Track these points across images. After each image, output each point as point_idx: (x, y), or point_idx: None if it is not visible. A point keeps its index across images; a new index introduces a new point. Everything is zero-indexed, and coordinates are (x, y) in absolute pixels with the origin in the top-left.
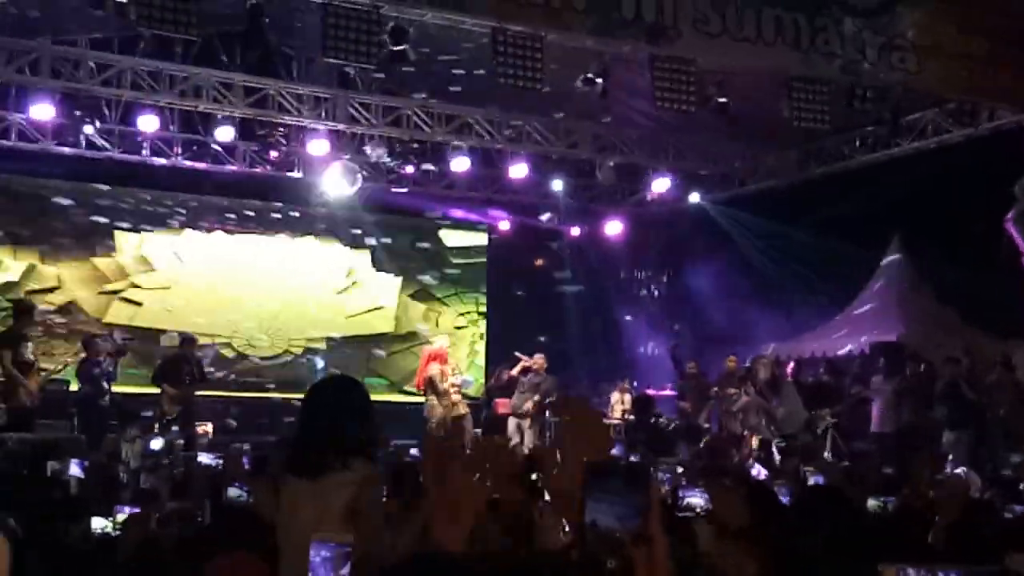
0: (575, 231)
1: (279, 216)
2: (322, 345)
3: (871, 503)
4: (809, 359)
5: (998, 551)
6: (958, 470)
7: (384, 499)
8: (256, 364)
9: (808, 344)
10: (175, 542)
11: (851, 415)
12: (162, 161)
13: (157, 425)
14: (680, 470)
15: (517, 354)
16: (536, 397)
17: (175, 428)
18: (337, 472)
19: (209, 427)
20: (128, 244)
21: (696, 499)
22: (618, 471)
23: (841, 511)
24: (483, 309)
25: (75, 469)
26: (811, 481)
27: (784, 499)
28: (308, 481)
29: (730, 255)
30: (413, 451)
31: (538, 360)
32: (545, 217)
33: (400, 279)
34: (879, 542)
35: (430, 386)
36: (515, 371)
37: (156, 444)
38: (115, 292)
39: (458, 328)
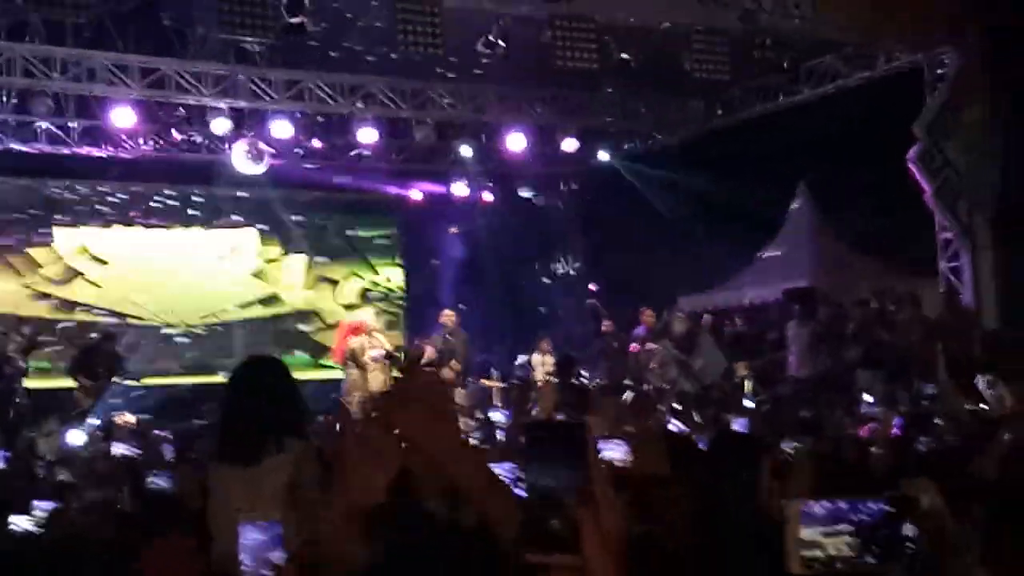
0: (487, 196)
1: (187, 200)
2: (238, 321)
3: (785, 446)
4: (723, 309)
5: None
6: (874, 409)
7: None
8: (175, 346)
9: (721, 294)
10: (98, 535)
11: (769, 362)
12: (62, 150)
13: (73, 416)
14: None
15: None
16: (453, 362)
17: (90, 420)
18: (272, 456)
19: (131, 417)
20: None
21: (615, 452)
22: (555, 431)
23: (753, 453)
24: (400, 281)
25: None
26: (733, 427)
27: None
28: (241, 467)
29: (640, 210)
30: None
31: (447, 314)
32: (457, 185)
33: (311, 255)
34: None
35: (352, 359)
36: (436, 341)
37: (72, 437)
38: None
39: (376, 301)
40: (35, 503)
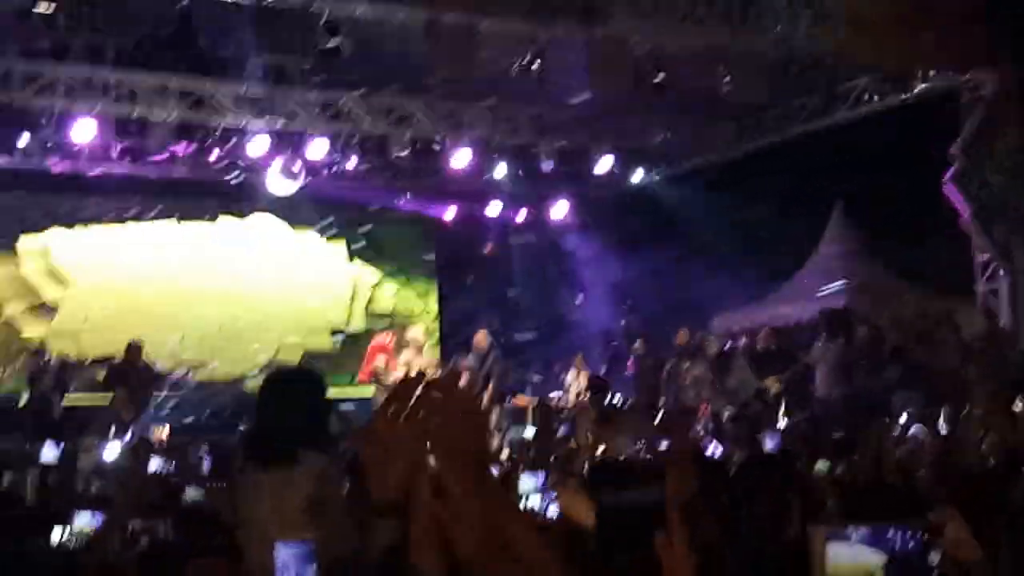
0: (521, 217)
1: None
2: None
3: (819, 466)
4: (758, 329)
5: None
6: (912, 430)
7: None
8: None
9: (755, 314)
10: (137, 558)
11: (801, 382)
12: (100, 169)
13: (112, 431)
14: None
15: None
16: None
17: (130, 434)
18: (294, 465)
19: (166, 430)
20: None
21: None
22: (633, 468)
23: (781, 476)
24: (433, 302)
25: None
26: (767, 444)
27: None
28: (266, 473)
29: (675, 231)
30: None
31: (479, 338)
32: (491, 206)
33: (351, 274)
34: (817, 505)
35: (375, 379)
36: (469, 360)
37: (109, 453)
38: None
39: (409, 320)
40: (75, 513)
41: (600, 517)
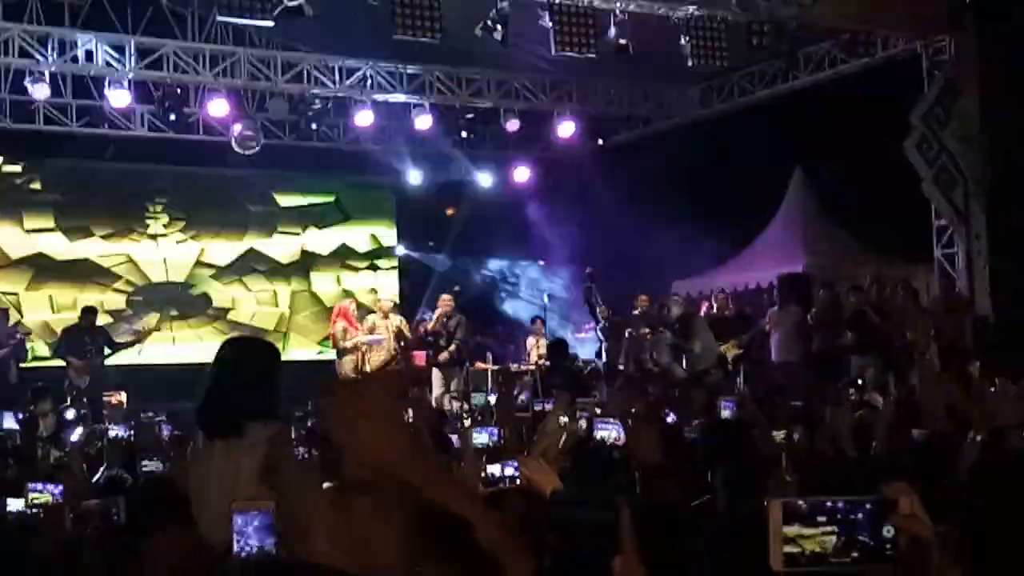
0: (484, 180)
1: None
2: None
3: (777, 435)
4: (717, 294)
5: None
6: (867, 395)
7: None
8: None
9: (716, 279)
10: (96, 533)
11: (759, 348)
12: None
13: (69, 398)
14: (597, 411)
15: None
16: (451, 345)
17: (85, 400)
18: (248, 433)
19: (123, 396)
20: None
21: (610, 431)
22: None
23: (738, 446)
24: (395, 264)
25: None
26: (724, 413)
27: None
28: (220, 441)
29: (637, 195)
30: None
31: (444, 299)
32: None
33: (306, 239)
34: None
35: (333, 343)
36: (431, 325)
37: (70, 414)
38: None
39: (371, 290)
40: (30, 486)
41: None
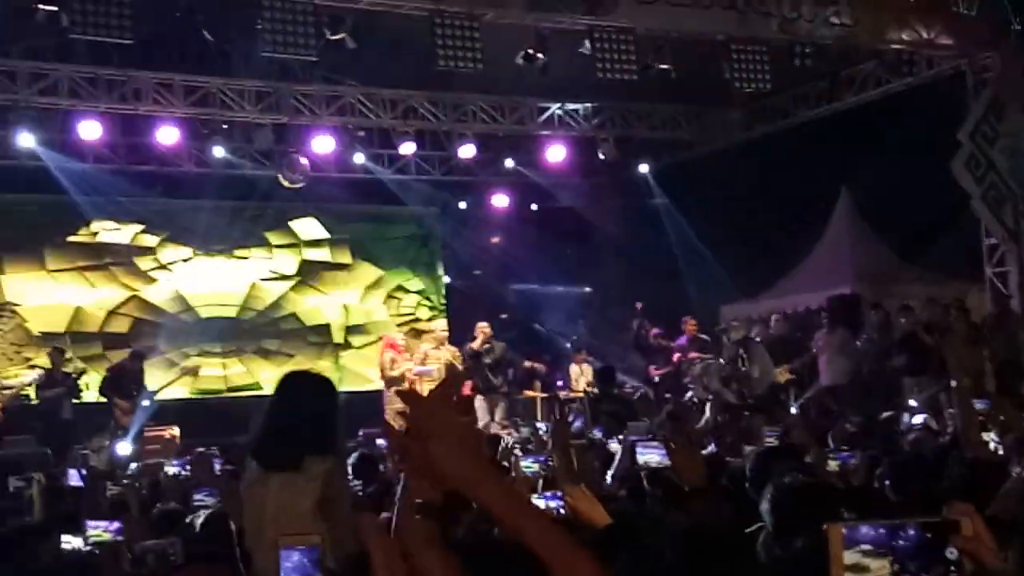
0: (531, 206)
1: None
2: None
3: (832, 463)
4: (767, 318)
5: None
6: (919, 417)
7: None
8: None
9: (765, 302)
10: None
11: (812, 371)
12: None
13: (119, 434)
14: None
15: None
16: (495, 376)
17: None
18: (305, 467)
19: (176, 431)
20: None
21: (652, 455)
22: None
23: (786, 472)
24: (443, 294)
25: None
26: (768, 440)
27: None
28: (275, 474)
29: (684, 221)
30: (380, 441)
31: (481, 327)
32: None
33: (357, 270)
34: (826, 501)
35: (381, 374)
36: (475, 345)
37: (124, 449)
38: None
39: (418, 318)
40: (89, 523)
41: None
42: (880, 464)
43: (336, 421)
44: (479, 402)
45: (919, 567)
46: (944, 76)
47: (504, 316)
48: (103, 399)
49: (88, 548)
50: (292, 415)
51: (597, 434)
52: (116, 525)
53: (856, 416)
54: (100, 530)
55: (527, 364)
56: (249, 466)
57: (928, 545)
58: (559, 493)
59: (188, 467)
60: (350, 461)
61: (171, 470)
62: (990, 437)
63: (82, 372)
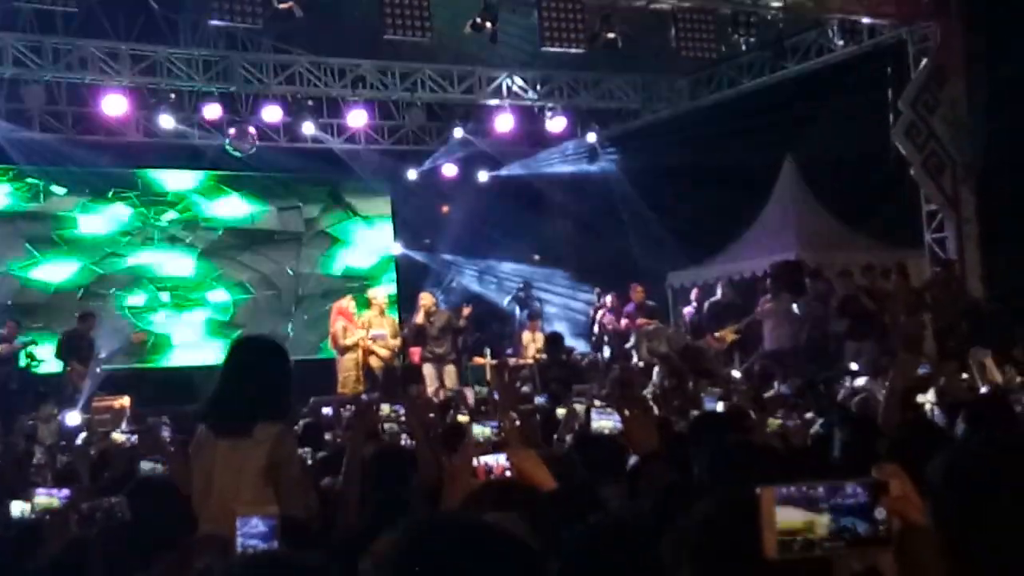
0: (481, 177)
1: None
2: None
3: (772, 424)
4: (712, 283)
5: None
6: (860, 380)
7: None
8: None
9: (709, 269)
10: (100, 534)
11: (755, 335)
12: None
13: (73, 400)
14: (596, 402)
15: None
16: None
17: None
18: (255, 434)
19: (125, 400)
20: None
21: (607, 422)
22: None
23: (724, 436)
24: (392, 263)
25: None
26: (707, 405)
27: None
28: (224, 439)
29: (629, 188)
30: (326, 409)
31: (425, 296)
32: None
33: (305, 239)
34: (764, 463)
35: (333, 343)
36: (419, 319)
37: (73, 419)
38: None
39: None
40: (37, 491)
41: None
42: (814, 425)
43: (287, 387)
44: (427, 369)
45: (851, 527)
46: (885, 45)
47: (453, 284)
48: (52, 372)
49: (36, 515)
50: (243, 381)
51: (540, 400)
52: (65, 492)
53: (798, 380)
54: (50, 497)
55: (477, 335)
56: (199, 430)
57: (859, 506)
58: (506, 455)
59: (136, 435)
60: (296, 429)
61: (119, 437)
62: (927, 399)
63: (29, 342)
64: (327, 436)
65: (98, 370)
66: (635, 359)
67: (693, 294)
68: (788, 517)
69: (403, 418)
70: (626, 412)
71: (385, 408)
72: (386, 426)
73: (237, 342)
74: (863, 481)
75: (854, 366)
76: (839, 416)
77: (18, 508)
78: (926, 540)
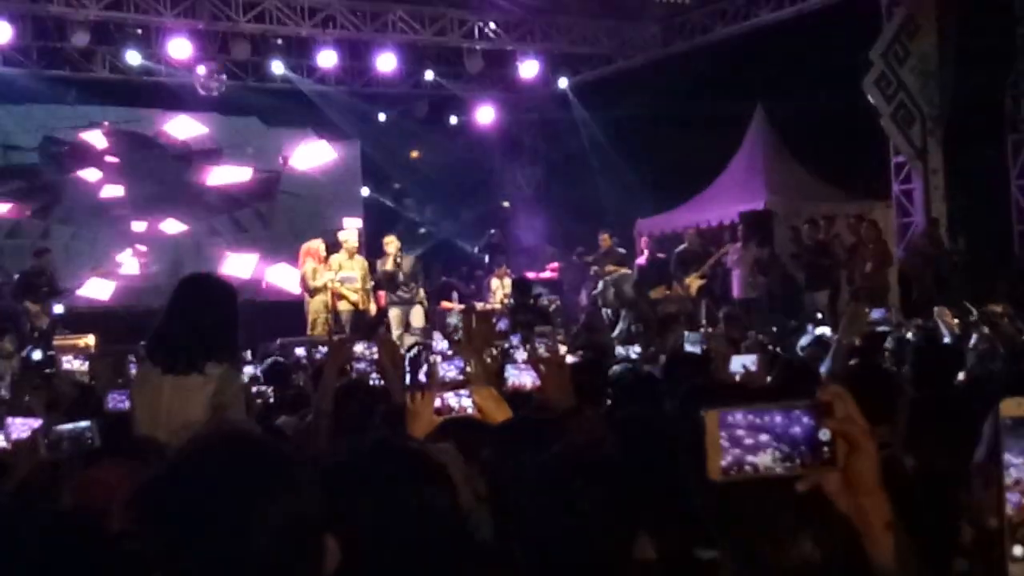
0: (450, 120)
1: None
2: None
3: (735, 364)
4: (680, 231)
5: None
6: (820, 329)
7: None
8: None
9: (680, 217)
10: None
11: (722, 282)
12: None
13: (32, 338)
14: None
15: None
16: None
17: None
18: (199, 373)
19: (90, 339)
20: None
21: (524, 377)
22: None
23: (698, 375)
24: (360, 205)
25: None
26: (687, 347)
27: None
28: (170, 376)
29: (600, 135)
30: (298, 350)
31: (389, 240)
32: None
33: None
34: (723, 398)
35: (302, 284)
36: (389, 265)
37: (37, 355)
38: None
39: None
40: (10, 420)
41: None
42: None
43: (235, 326)
44: (393, 312)
45: (796, 449)
46: None
47: (423, 230)
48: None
49: (8, 445)
50: (190, 318)
51: (514, 340)
52: (39, 422)
53: (765, 328)
54: (24, 427)
55: (444, 279)
56: (142, 365)
57: (803, 428)
58: (468, 392)
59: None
60: (262, 367)
61: (69, 367)
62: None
63: None
64: (294, 377)
65: (59, 308)
66: (601, 304)
67: (643, 242)
68: (733, 440)
69: (375, 356)
70: (542, 368)
71: (359, 347)
72: (356, 365)
73: (185, 279)
74: (807, 403)
75: (819, 315)
76: (781, 364)
77: None
78: (870, 461)
